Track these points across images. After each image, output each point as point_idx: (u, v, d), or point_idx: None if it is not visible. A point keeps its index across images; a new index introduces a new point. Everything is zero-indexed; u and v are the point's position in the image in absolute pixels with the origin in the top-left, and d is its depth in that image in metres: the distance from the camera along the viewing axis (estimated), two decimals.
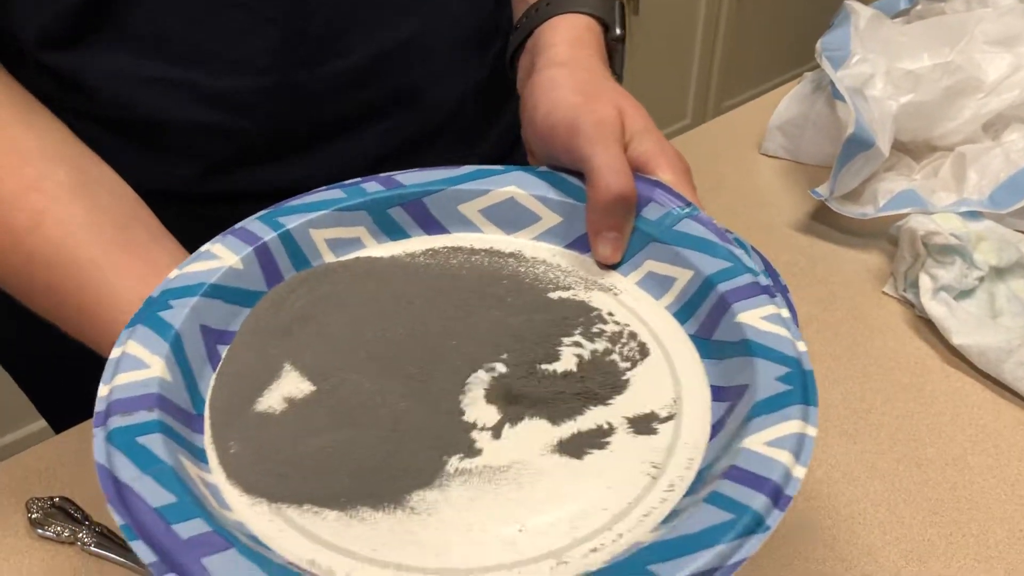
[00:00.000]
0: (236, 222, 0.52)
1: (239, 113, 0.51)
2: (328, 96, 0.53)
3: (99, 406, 0.33)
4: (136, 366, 0.35)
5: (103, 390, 0.34)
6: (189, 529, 0.29)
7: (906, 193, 0.68)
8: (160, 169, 0.53)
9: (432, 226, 0.45)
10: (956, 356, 0.59)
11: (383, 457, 0.34)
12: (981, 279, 0.62)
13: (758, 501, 0.30)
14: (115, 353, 0.35)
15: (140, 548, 0.28)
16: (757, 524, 0.29)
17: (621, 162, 0.41)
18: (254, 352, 0.39)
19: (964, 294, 0.62)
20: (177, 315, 0.37)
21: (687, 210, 0.42)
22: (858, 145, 0.67)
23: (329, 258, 0.43)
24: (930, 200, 0.68)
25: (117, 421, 0.32)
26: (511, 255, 0.44)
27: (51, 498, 0.51)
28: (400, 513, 0.32)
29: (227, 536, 0.29)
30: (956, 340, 0.58)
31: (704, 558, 0.28)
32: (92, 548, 0.48)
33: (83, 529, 0.49)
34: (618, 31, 0.52)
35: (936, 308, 0.60)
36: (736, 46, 2.06)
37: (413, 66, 0.56)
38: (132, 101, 0.50)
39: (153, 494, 0.30)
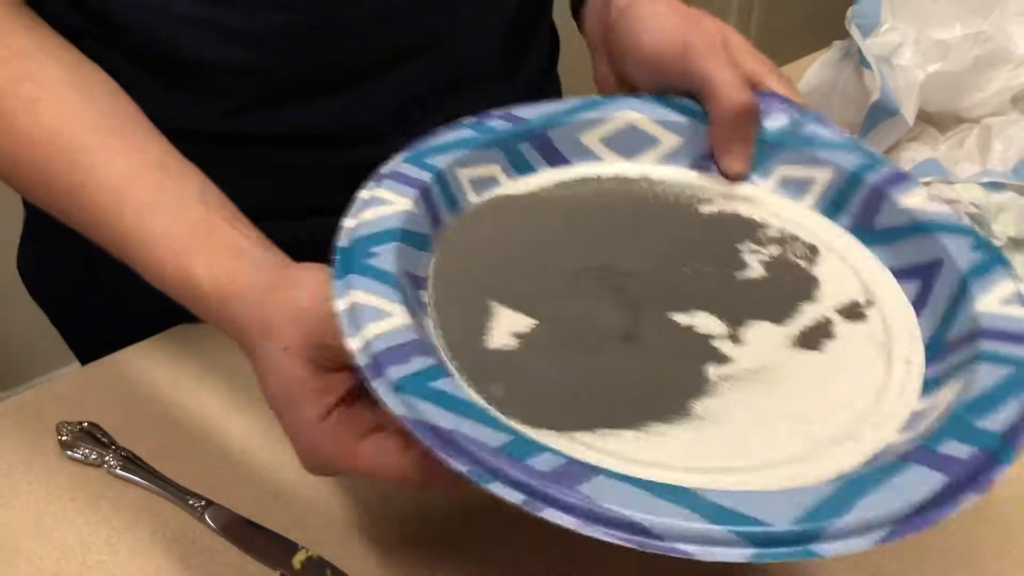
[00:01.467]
0: (260, 163, 0.53)
1: (268, 52, 0.53)
2: (358, 36, 0.54)
3: (360, 359, 0.32)
4: (379, 315, 0.33)
5: (354, 342, 0.32)
6: (544, 463, 0.29)
7: (929, 162, 0.68)
8: (187, 107, 0.54)
9: (556, 158, 0.45)
10: None
11: (643, 375, 0.36)
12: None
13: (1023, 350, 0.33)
14: (342, 305, 0.34)
15: (499, 488, 0.28)
16: None
17: (739, 76, 0.43)
18: (458, 295, 0.38)
19: None
20: (386, 261, 0.36)
21: (809, 113, 0.45)
22: (882, 113, 0.67)
23: (472, 197, 0.42)
24: (953, 170, 0.68)
25: (398, 371, 0.31)
26: (641, 179, 0.45)
27: (80, 423, 0.53)
28: (691, 423, 0.34)
29: (586, 464, 0.29)
30: None
31: (1012, 409, 0.31)
32: (118, 471, 0.50)
33: (109, 453, 0.51)
34: None
35: None
36: (771, 19, 2.04)
37: (442, 9, 0.56)
38: (162, 38, 0.51)
39: (486, 436, 0.29)
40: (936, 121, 0.75)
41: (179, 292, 0.42)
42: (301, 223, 0.62)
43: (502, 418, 0.31)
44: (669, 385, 0.35)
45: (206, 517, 0.48)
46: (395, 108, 0.58)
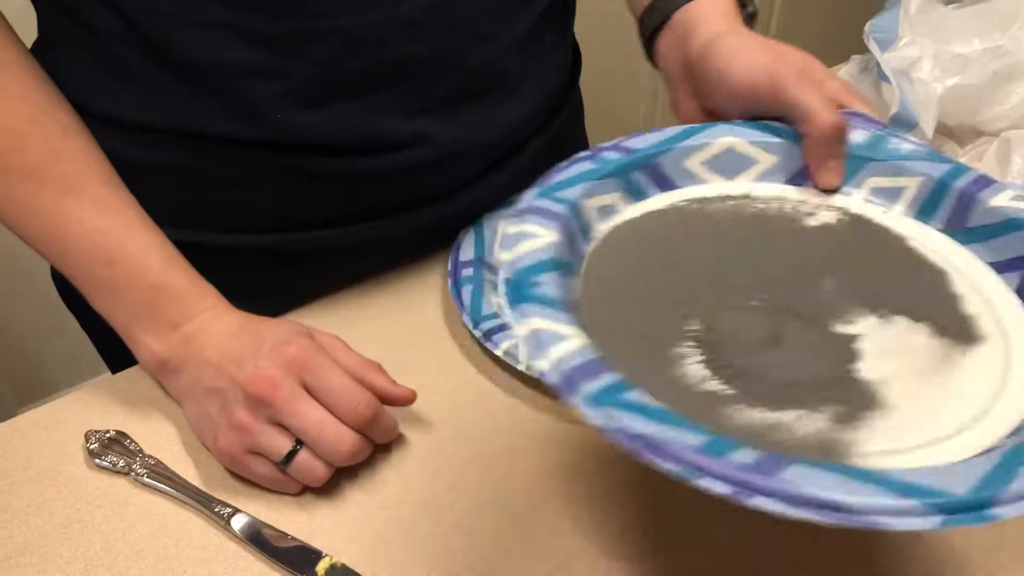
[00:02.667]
0: (276, 169, 0.59)
1: (286, 56, 0.54)
2: (374, 44, 0.55)
3: (553, 378, 0.35)
4: (559, 339, 0.36)
5: (542, 364, 0.35)
6: (743, 457, 0.32)
7: None
8: (207, 112, 0.56)
9: (665, 183, 0.48)
10: None
11: (831, 371, 0.39)
12: None
13: None
14: (523, 331, 0.36)
15: (707, 483, 0.31)
16: None
17: (827, 100, 0.47)
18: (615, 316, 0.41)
19: None
20: (551, 289, 0.38)
21: (891, 130, 0.48)
22: (901, 126, 0.67)
23: (598, 225, 0.46)
24: None
25: (591, 386, 0.34)
26: (743, 196, 0.49)
27: (107, 431, 0.54)
28: (884, 411, 0.37)
29: (778, 456, 0.32)
30: None
31: None
32: (145, 479, 0.51)
33: (136, 461, 0.52)
34: (751, 7, 0.58)
35: None
36: (790, 33, 2.05)
37: (459, 20, 0.57)
38: (182, 42, 0.53)
39: (686, 438, 0.32)
40: (955, 134, 0.75)
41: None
42: (317, 232, 0.63)
43: (692, 421, 0.34)
44: (850, 379, 0.39)
45: (231, 525, 0.48)
46: (412, 117, 0.59)
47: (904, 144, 0.48)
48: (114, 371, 0.61)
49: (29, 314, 1.49)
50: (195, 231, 0.61)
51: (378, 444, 0.52)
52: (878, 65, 0.70)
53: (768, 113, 0.50)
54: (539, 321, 0.37)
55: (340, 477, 0.51)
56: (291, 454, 0.48)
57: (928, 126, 0.67)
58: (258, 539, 0.48)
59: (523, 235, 0.41)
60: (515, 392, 0.56)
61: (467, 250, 0.65)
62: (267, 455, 0.49)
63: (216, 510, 0.49)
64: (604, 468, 0.51)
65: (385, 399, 0.51)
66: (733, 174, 0.49)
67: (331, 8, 0.53)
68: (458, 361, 0.59)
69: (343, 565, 0.46)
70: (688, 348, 0.40)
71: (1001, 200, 0.44)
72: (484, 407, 0.56)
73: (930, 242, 0.46)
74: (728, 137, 0.49)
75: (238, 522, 0.48)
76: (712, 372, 0.39)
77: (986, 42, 0.73)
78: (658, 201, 0.48)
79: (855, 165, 0.48)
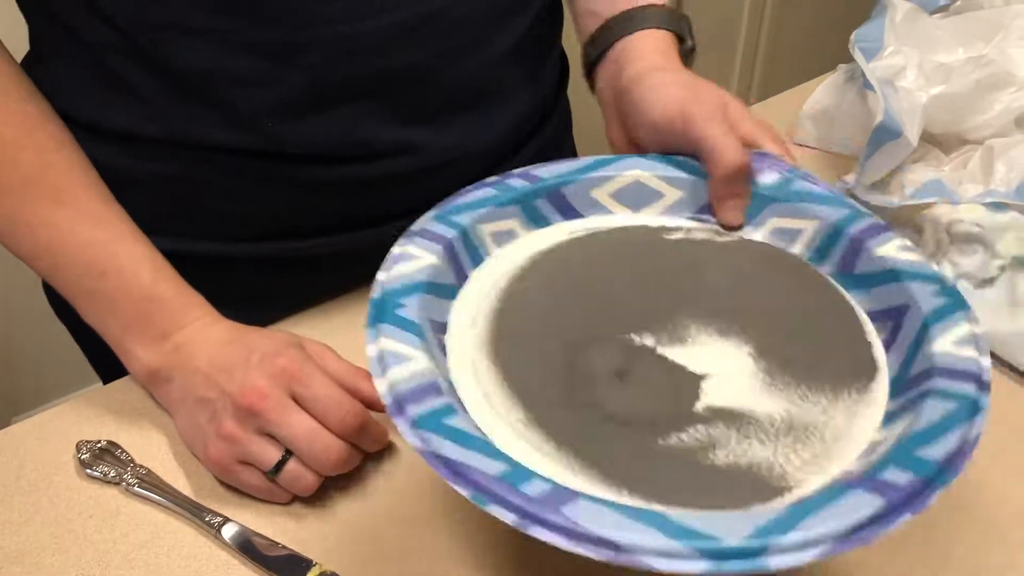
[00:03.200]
0: (265, 177, 0.59)
1: (274, 64, 0.54)
2: (362, 53, 0.55)
3: (386, 399, 0.36)
4: (402, 360, 0.38)
5: (381, 385, 0.37)
6: (534, 488, 0.33)
7: (933, 183, 0.68)
8: (196, 119, 0.56)
9: (570, 212, 0.50)
10: None
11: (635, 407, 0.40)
12: (1003, 268, 0.63)
13: (969, 388, 0.37)
14: (372, 352, 0.38)
15: (495, 510, 0.32)
16: (975, 407, 0.36)
17: (734, 139, 0.48)
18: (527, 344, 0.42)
19: (985, 283, 0.63)
20: (412, 312, 0.40)
21: (798, 172, 0.49)
22: (886, 134, 0.67)
23: (493, 249, 0.47)
24: (957, 190, 0.68)
25: (416, 409, 0.36)
26: (647, 227, 0.50)
27: (98, 441, 0.54)
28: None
29: (569, 491, 0.33)
30: None
31: (954, 438, 0.34)
32: (135, 489, 0.51)
33: (127, 471, 0.52)
34: (690, 43, 0.59)
35: None
36: (780, 42, 2.06)
37: (447, 31, 0.58)
38: (172, 49, 0.53)
39: (487, 466, 0.34)
40: (941, 142, 0.76)
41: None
42: (308, 241, 0.63)
43: (502, 449, 0.35)
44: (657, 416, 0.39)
45: (222, 534, 0.48)
46: (402, 125, 0.59)
47: (811, 186, 0.49)
48: (106, 381, 0.61)
49: (21, 324, 1.49)
50: (186, 240, 0.61)
51: (368, 453, 0.52)
52: (863, 74, 0.71)
53: (680, 148, 0.51)
54: (387, 342, 0.38)
55: (330, 486, 0.51)
56: (280, 464, 0.49)
57: (913, 135, 0.68)
58: (248, 548, 0.48)
59: (403, 256, 0.43)
60: None
61: None
62: (257, 465, 0.49)
63: (207, 519, 0.49)
64: None
65: (374, 407, 0.51)
66: (639, 207, 0.50)
67: (322, 16, 0.54)
68: None
69: (333, 573, 0.47)
70: (544, 375, 0.41)
71: (887, 250, 0.45)
72: None
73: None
74: (636, 170, 0.50)
75: (228, 531, 0.49)
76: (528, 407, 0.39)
77: (970, 51, 0.74)
78: (555, 230, 0.49)
79: (759, 205, 0.49)
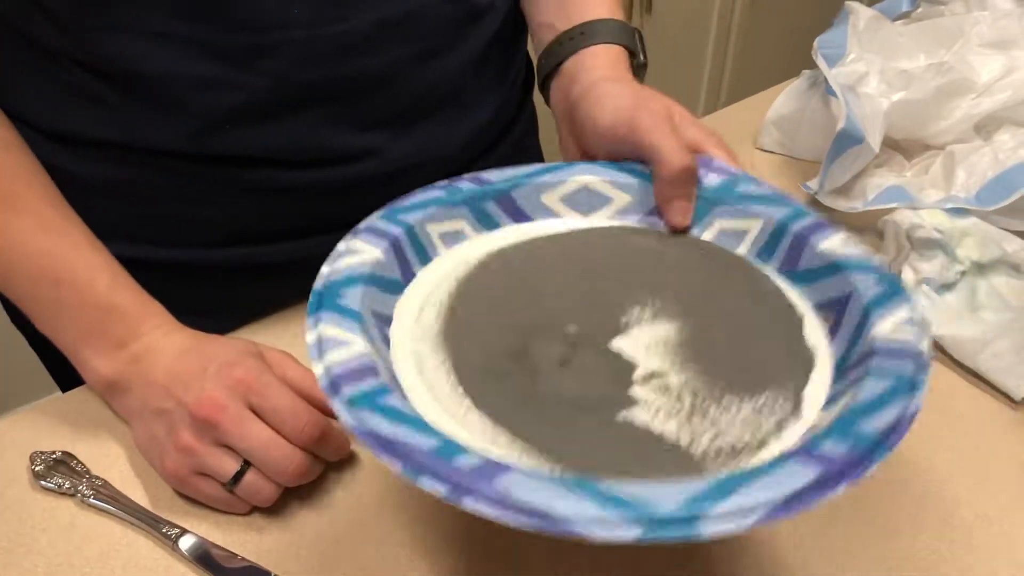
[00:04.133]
0: (229, 183, 0.58)
1: (238, 69, 0.54)
2: (326, 59, 0.55)
3: (322, 382, 0.36)
4: (340, 344, 0.38)
5: (318, 368, 0.37)
6: (467, 462, 0.33)
7: (894, 188, 0.69)
8: (159, 126, 0.55)
9: (519, 216, 0.50)
10: (935, 347, 0.60)
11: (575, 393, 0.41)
12: (963, 274, 0.63)
13: (907, 365, 0.38)
14: (311, 338, 0.38)
15: (426, 483, 0.32)
16: (913, 383, 0.37)
17: (680, 143, 0.49)
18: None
19: (946, 287, 0.63)
20: (353, 302, 0.41)
21: (742, 175, 0.50)
22: (848, 140, 0.68)
23: (442, 250, 0.48)
24: (918, 196, 0.69)
25: (350, 390, 0.36)
26: (596, 229, 0.51)
27: (53, 452, 0.53)
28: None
29: (502, 463, 0.33)
30: (935, 331, 0.60)
31: (892, 412, 0.35)
32: (91, 500, 0.50)
33: (83, 482, 0.51)
34: (641, 58, 0.61)
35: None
36: (749, 47, 2.08)
37: (411, 37, 0.58)
38: (135, 54, 0.52)
39: (419, 441, 0.34)
40: (903, 148, 0.77)
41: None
42: (269, 247, 0.63)
43: (434, 426, 0.35)
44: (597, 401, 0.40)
45: (179, 545, 0.48)
46: (362, 131, 0.59)
47: (754, 187, 0.50)
48: (64, 390, 0.60)
49: None
50: (146, 246, 0.60)
51: (329, 462, 0.51)
52: (826, 80, 0.72)
53: (628, 155, 0.52)
54: (327, 328, 0.39)
55: (289, 496, 0.50)
56: (238, 475, 0.48)
57: (875, 140, 0.68)
58: (207, 560, 0.47)
59: (348, 251, 0.44)
60: None
61: None
62: (214, 476, 0.48)
63: (164, 531, 0.48)
64: None
65: (335, 415, 0.50)
66: (589, 210, 0.51)
67: (285, 21, 0.53)
68: None
69: None
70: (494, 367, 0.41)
71: (831, 243, 0.46)
72: None
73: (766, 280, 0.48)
74: (585, 175, 0.51)
75: (186, 543, 0.48)
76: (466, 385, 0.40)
77: (931, 58, 0.75)
78: (506, 232, 0.50)
79: (704, 208, 0.50)
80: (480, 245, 0.49)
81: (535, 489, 0.32)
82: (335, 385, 0.36)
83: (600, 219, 0.51)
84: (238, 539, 0.49)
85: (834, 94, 0.70)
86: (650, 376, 0.41)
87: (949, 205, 0.67)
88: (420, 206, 0.48)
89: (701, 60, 2.02)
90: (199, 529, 0.49)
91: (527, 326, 0.43)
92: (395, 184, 0.63)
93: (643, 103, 0.51)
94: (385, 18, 0.56)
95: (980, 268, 0.64)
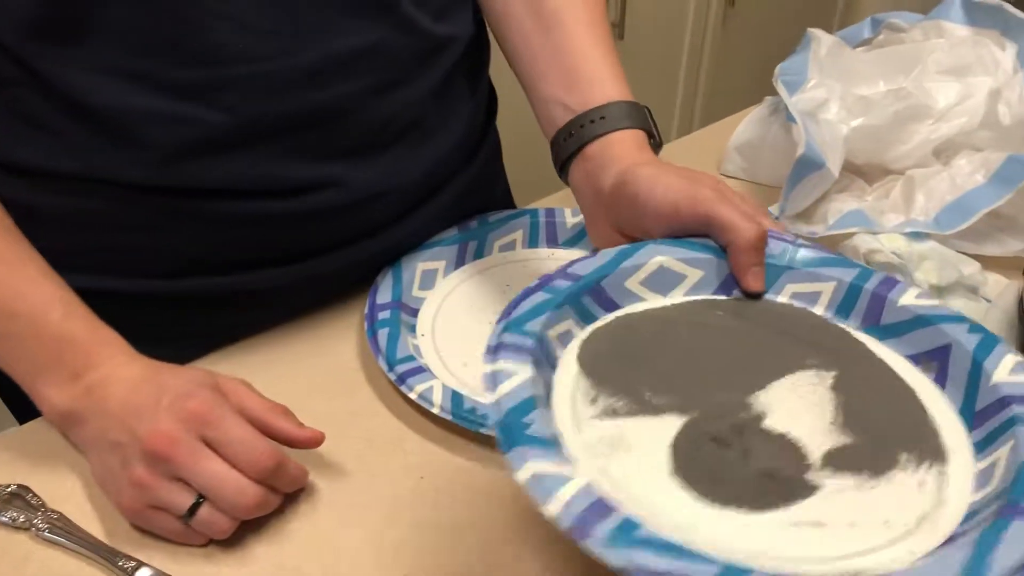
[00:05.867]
0: (191, 214, 0.59)
1: (194, 102, 0.54)
2: (282, 91, 0.55)
3: (565, 522, 0.35)
4: (562, 481, 0.37)
5: (552, 509, 0.36)
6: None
7: (854, 213, 0.70)
8: (115, 158, 0.55)
9: (609, 304, 0.51)
10: None
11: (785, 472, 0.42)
12: None
13: None
14: (523, 476, 0.37)
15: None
16: None
17: (747, 213, 0.50)
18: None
19: None
20: (541, 429, 0.40)
21: (799, 241, 0.53)
22: (808, 166, 0.69)
23: (560, 351, 0.47)
24: (878, 220, 0.70)
25: (603, 528, 0.35)
26: (689, 304, 0.52)
27: (9, 485, 0.52)
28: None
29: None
30: None
31: None
32: (46, 534, 0.50)
33: (38, 515, 0.51)
34: (657, 138, 0.61)
35: None
36: (721, 72, 2.10)
37: (369, 69, 0.58)
38: (90, 88, 0.52)
39: (702, 569, 0.34)
40: (864, 173, 0.78)
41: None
42: (228, 277, 0.62)
43: (706, 552, 0.35)
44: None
45: None
46: (322, 162, 0.59)
47: (813, 252, 0.52)
48: (21, 422, 0.59)
49: None
50: (104, 276, 0.60)
51: (287, 493, 0.51)
52: (787, 107, 0.73)
53: (692, 230, 0.52)
54: (538, 464, 0.38)
55: (246, 528, 0.50)
56: (193, 508, 0.47)
57: (835, 166, 0.69)
58: None
59: (501, 374, 0.42)
60: (429, 435, 0.56)
61: (384, 292, 0.65)
62: (169, 510, 0.48)
63: (120, 564, 0.48)
64: (522, 507, 0.51)
65: (291, 443, 0.50)
66: (667, 290, 0.52)
67: (244, 55, 0.53)
68: (373, 405, 0.59)
69: None
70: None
71: (907, 299, 0.48)
72: (397, 451, 0.55)
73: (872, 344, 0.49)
74: (658, 256, 0.52)
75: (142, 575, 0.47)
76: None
77: (890, 84, 0.76)
78: (603, 323, 0.50)
79: (773, 274, 0.52)
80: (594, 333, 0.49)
81: None
82: (584, 525, 0.35)
83: (677, 297, 0.52)
84: (194, 571, 0.48)
85: (794, 120, 0.71)
86: (824, 457, 0.42)
87: (909, 229, 0.68)
88: (536, 312, 0.47)
89: (673, 85, 2.04)
90: (155, 561, 0.48)
91: (685, 409, 0.44)
92: (357, 213, 0.63)
93: (698, 180, 0.52)
94: (344, 51, 0.56)
95: (939, 291, 0.65)
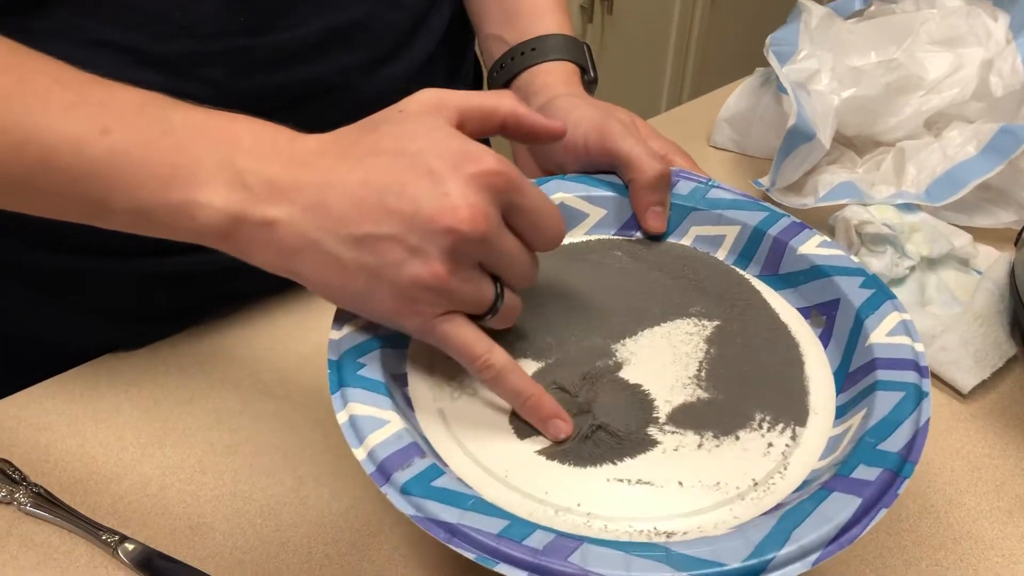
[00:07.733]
0: None
1: (177, 77, 0.52)
2: (266, 67, 0.54)
3: (368, 468, 0.35)
4: (378, 425, 0.37)
5: (360, 453, 0.36)
6: (538, 540, 0.33)
7: (845, 185, 0.69)
8: None
9: None
10: None
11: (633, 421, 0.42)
12: (912, 269, 0.64)
13: (911, 375, 0.39)
14: (343, 419, 0.38)
15: (507, 569, 0.32)
16: (920, 393, 0.38)
17: (652, 151, 0.49)
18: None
19: (895, 282, 0.64)
20: (374, 370, 0.40)
21: (712, 182, 0.51)
22: (799, 137, 0.68)
23: None
24: (869, 192, 0.69)
25: (402, 475, 0.35)
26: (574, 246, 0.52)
27: None
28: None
29: (573, 536, 0.33)
30: None
31: (907, 429, 0.36)
32: (28, 508, 0.49)
33: (20, 490, 0.50)
34: (592, 74, 0.61)
35: None
36: (711, 44, 2.09)
37: (355, 46, 0.57)
38: (73, 62, 0.51)
39: (486, 523, 0.34)
40: (855, 144, 0.77)
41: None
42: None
43: (496, 504, 0.35)
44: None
45: (119, 552, 0.47)
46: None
47: (726, 194, 0.51)
48: (2, 395, 0.58)
49: None
50: (83, 255, 0.59)
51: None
52: (778, 78, 0.72)
53: (600, 166, 0.51)
54: (359, 407, 0.38)
55: (233, 500, 0.49)
56: (497, 296, 0.39)
57: (825, 137, 0.69)
58: (148, 566, 0.46)
59: (353, 315, 0.42)
60: None
61: None
62: (472, 310, 0.39)
63: (103, 538, 0.47)
64: None
65: (546, 133, 0.44)
66: (567, 228, 0.50)
67: (224, 29, 0.52)
68: None
69: None
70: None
71: (808, 247, 0.47)
72: None
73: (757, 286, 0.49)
74: (559, 193, 0.51)
75: (127, 549, 0.47)
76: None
77: (882, 55, 0.75)
78: None
79: (679, 215, 0.51)
80: None
81: (611, 560, 0.32)
82: (384, 471, 0.36)
83: (578, 235, 0.51)
84: (180, 545, 0.48)
85: (785, 91, 0.70)
86: (673, 412, 0.41)
87: (899, 201, 0.67)
88: None
89: (663, 58, 2.03)
90: (140, 535, 0.48)
91: (544, 360, 0.44)
92: None
93: (609, 115, 0.51)
94: (331, 26, 0.55)
95: (929, 263, 0.64)
